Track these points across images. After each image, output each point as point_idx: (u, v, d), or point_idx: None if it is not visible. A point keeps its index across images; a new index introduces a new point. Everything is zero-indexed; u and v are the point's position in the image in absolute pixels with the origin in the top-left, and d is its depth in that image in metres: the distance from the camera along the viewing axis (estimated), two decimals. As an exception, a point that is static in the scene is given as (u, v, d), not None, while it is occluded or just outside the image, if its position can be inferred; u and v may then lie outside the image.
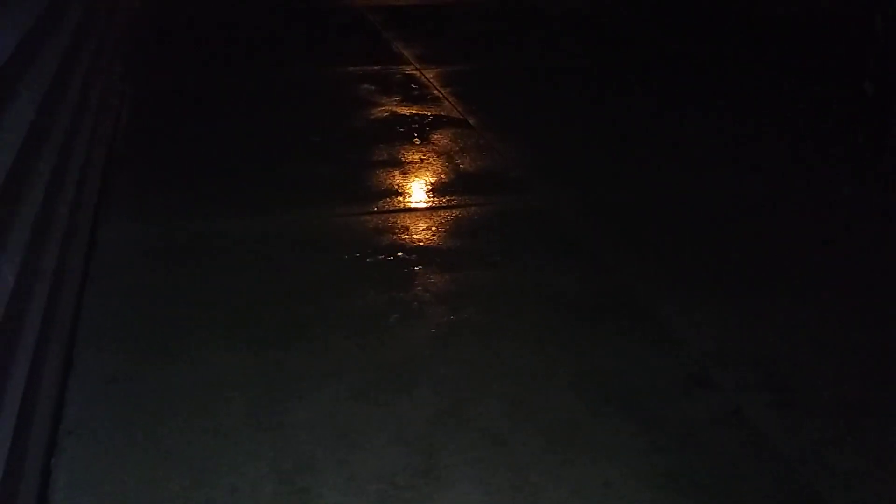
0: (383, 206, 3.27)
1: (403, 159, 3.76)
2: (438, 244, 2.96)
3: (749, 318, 2.53)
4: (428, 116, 4.38)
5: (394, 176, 3.57)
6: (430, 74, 5.18)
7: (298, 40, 6.14)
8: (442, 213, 3.23)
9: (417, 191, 3.43)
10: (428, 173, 3.62)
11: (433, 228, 3.08)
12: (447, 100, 4.67)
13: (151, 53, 5.73)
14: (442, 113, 4.45)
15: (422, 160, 3.76)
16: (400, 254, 2.88)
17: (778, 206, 3.35)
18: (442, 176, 3.59)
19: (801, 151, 4.00)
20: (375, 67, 5.34)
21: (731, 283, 2.74)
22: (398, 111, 4.46)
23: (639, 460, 1.92)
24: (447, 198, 3.37)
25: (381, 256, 2.86)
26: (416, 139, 4.02)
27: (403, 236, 3.01)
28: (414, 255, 2.87)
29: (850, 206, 3.37)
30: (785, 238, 3.07)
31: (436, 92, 4.82)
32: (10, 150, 1.87)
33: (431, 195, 3.39)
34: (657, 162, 3.80)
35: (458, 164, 3.72)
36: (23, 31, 2.19)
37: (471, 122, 4.30)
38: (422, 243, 2.96)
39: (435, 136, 4.07)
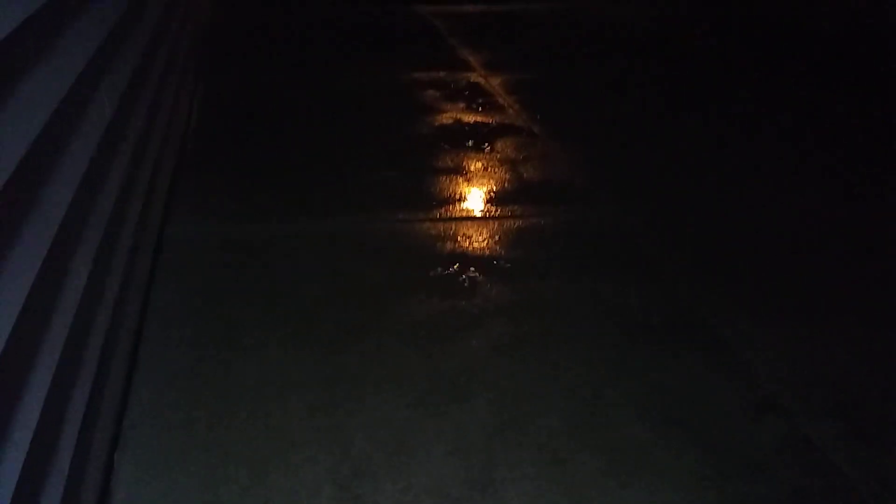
0: (446, 214, 3.26)
1: (467, 167, 3.75)
2: (500, 254, 2.94)
3: (820, 344, 2.44)
4: (492, 124, 4.36)
5: (457, 183, 3.56)
6: (495, 82, 5.17)
7: (366, 46, 6.20)
8: (504, 222, 3.21)
9: (480, 199, 3.42)
10: (491, 182, 3.60)
11: (495, 238, 3.06)
12: (512, 108, 4.65)
13: (222, 56, 5.84)
14: (506, 121, 4.43)
15: (485, 168, 3.74)
16: (461, 262, 2.87)
17: (851, 229, 3.23)
18: (505, 185, 3.57)
19: (882, 173, 3.86)
20: (441, 74, 5.35)
21: (802, 305, 2.65)
22: (462, 118, 4.46)
23: (702, 487, 1.86)
24: (510, 207, 3.34)
25: (442, 264, 2.85)
26: (480, 147, 4.01)
27: (465, 244, 3.00)
28: (475, 264, 2.85)
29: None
30: (858, 261, 2.97)
31: (500, 100, 4.80)
32: (89, 148, 1.91)
33: (494, 204, 3.37)
34: (729, 179, 3.71)
35: (521, 174, 3.69)
36: (105, 33, 2.25)
37: (535, 130, 4.27)
38: (484, 252, 2.95)
39: (499, 145, 4.05)
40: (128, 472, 1.89)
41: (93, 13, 2.17)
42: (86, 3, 2.10)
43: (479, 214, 3.28)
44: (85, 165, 1.86)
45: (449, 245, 2.99)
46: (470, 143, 4.06)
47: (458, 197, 3.42)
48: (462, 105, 4.69)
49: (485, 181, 3.60)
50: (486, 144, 4.05)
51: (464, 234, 3.08)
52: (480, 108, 4.63)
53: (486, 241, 3.03)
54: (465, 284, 2.72)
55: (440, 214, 3.25)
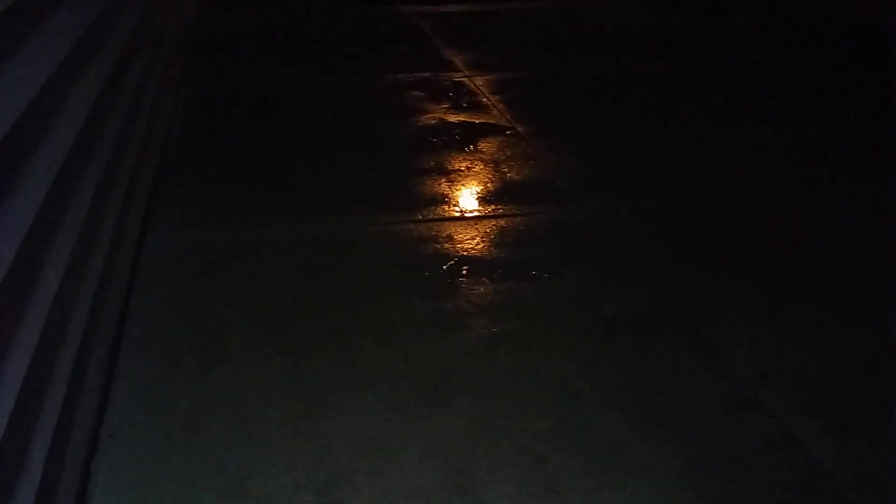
0: (428, 215, 3.25)
1: (450, 167, 3.74)
2: (482, 254, 2.93)
3: (801, 339, 2.44)
4: (476, 124, 4.35)
5: (439, 184, 3.55)
6: (479, 81, 5.16)
7: (350, 47, 6.18)
8: (487, 222, 3.20)
9: (463, 199, 3.40)
10: (474, 182, 3.59)
11: (477, 238, 3.05)
12: (496, 107, 4.64)
13: (206, 59, 5.82)
14: (490, 121, 4.42)
15: (468, 168, 3.73)
16: (443, 263, 2.86)
17: (833, 225, 3.23)
18: (488, 185, 3.56)
19: (863, 169, 3.86)
20: (425, 74, 5.33)
21: (783, 301, 2.65)
22: (446, 118, 4.44)
23: (683, 484, 1.85)
24: (493, 207, 3.33)
25: (423, 265, 2.84)
26: (464, 147, 4.00)
27: (447, 245, 2.99)
28: (457, 265, 2.84)
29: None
30: (839, 257, 2.97)
31: (485, 99, 4.79)
32: (59, 155, 1.89)
33: (477, 204, 3.36)
34: (709, 177, 3.71)
35: (504, 173, 3.68)
36: (76, 37, 2.23)
37: (519, 130, 4.26)
38: (465, 253, 2.94)
39: (482, 144, 4.04)
40: (105, 480, 1.87)
41: (66, 12, 2.15)
42: (56, 2, 2.09)
43: (461, 215, 3.26)
44: (56, 168, 1.84)
45: (430, 246, 2.98)
46: (453, 143, 4.05)
47: (440, 198, 3.41)
48: (446, 105, 4.67)
49: (468, 181, 3.59)
50: (470, 144, 4.04)
51: (446, 236, 3.07)
52: (464, 108, 4.62)
53: (467, 242, 3.02)
54: (446, 286, 2.70)
55: (422, 216, 3.24)
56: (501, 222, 3.20)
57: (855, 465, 1.93)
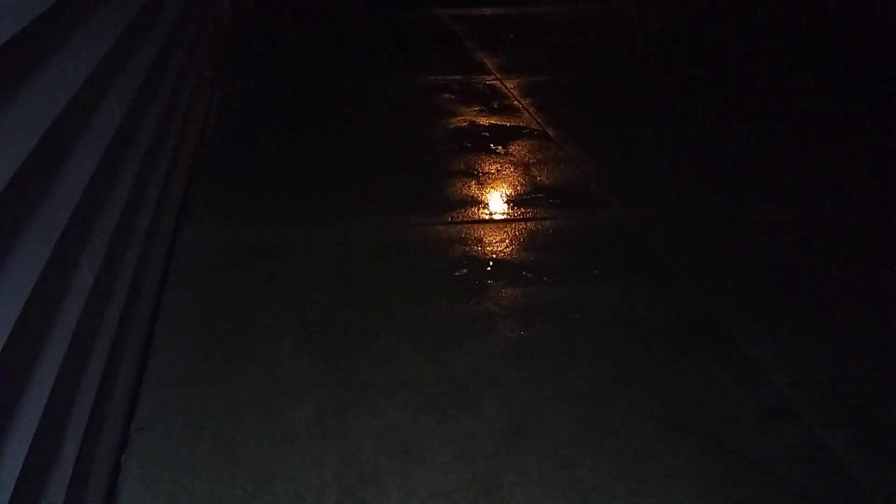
0: (458, 217, 3.25)
1: (480, 170, 3.74)
2: (512, 257, 2.92)
3: (836, 349, 2.40)
4: (507, 127, 4.35)
5: (470, 186, 3.55)
6: (510, 85, 5.15)
7: (383, 49, 6.20)
8: (517, 225, 3.19)
9: (493, 202, 3.40)
10: (504, 185, 3.58)
11: (507, 241, 3.04)
12: (527, 111, 4.63)
13: (240, 61, 5.87)
14: (521, 124, 4.41)
15: (498, 171, 3.72)
16: (473, 266, 2.85)
17: (870, 234, 3.18)
18: (518, 188, 3.55)
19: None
20: (456, 77, 5.34)
21: (818, 311, 2.61)
22: (477, 121, 4.44)
23: (712, 493, 1.83)
24: (523, 210, 3.32)
25: (453, 268, 2.84)
26: (494, 150, 4.00)
27: (477, 248, 2.98)
28: (487, 268, 2.84)
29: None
30: (874, 265, 2.91)
31: (516, 102, 4.78)
32: (95, 153, 1.92)
33: (507, 207, 3.35)
34: (744, 184, 3.66)
35: (535, 177, 3.67)
36: (114, 39, 2.26)
37: (550, 133, 4.25)
38: (495, 256, 2.93)
39: (513, 148, 4.03)
40: (134, 474, 1.89)
41: (104, 15, 2.19)
42: (96, 3, 2.12)
43: (491, 218, 3.26)
44: (92, 167, 1.87)
45: (461, 249, 2.98)
46: (484, 146, 4.05)
47: (470, 200, 3.41)
48: (477, 108, 4.67)
49: (498, 184, 3.58)
50: (501, 147, 4.03)
51: (476, 238, 3.06)
52: (495, 111, 4.61)
53: (498, 245, 3.01)
54: (476, 288, 2.70)
55: (452, 218, 3.24)
56: (531, 226, 3.19)
57: (887, 478, 1.89)
